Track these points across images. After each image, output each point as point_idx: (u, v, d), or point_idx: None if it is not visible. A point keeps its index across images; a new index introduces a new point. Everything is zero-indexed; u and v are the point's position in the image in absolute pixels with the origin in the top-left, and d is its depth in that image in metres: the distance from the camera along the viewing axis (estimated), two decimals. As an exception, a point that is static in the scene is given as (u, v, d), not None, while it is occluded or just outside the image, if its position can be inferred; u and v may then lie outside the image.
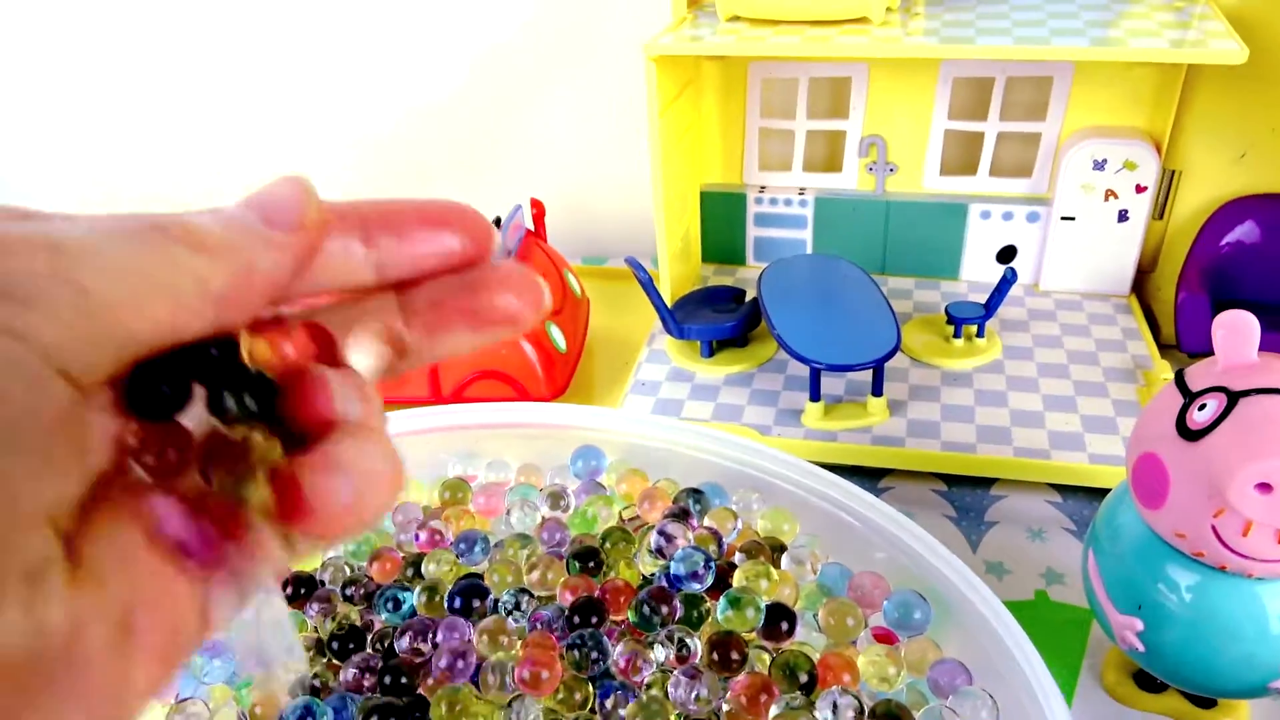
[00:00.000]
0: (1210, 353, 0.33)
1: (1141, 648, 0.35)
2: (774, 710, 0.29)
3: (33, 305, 0.13)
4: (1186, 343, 0.58)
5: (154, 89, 0.82)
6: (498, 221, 0.60)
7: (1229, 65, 0.47)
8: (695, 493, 0.38)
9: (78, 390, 0.13)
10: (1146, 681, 0.39)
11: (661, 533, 0.35)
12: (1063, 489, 0.50)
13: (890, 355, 0.50)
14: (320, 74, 0.78)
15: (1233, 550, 0.31)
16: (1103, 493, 0.49)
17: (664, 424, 0.41)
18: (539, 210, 0.63)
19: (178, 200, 0.86)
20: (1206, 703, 0.38)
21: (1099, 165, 0.58)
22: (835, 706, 0.29)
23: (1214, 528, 0.31)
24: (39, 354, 0.13)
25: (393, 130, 0.79)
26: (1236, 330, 0.32)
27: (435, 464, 0.43)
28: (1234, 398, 0.31)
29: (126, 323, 0.14)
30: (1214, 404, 0.31)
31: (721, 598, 0.32)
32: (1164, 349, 0.58)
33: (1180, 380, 0.33)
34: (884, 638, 0.33)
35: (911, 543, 0.34)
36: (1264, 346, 0.33)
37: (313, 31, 0.76)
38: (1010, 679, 0.30)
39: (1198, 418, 0.31)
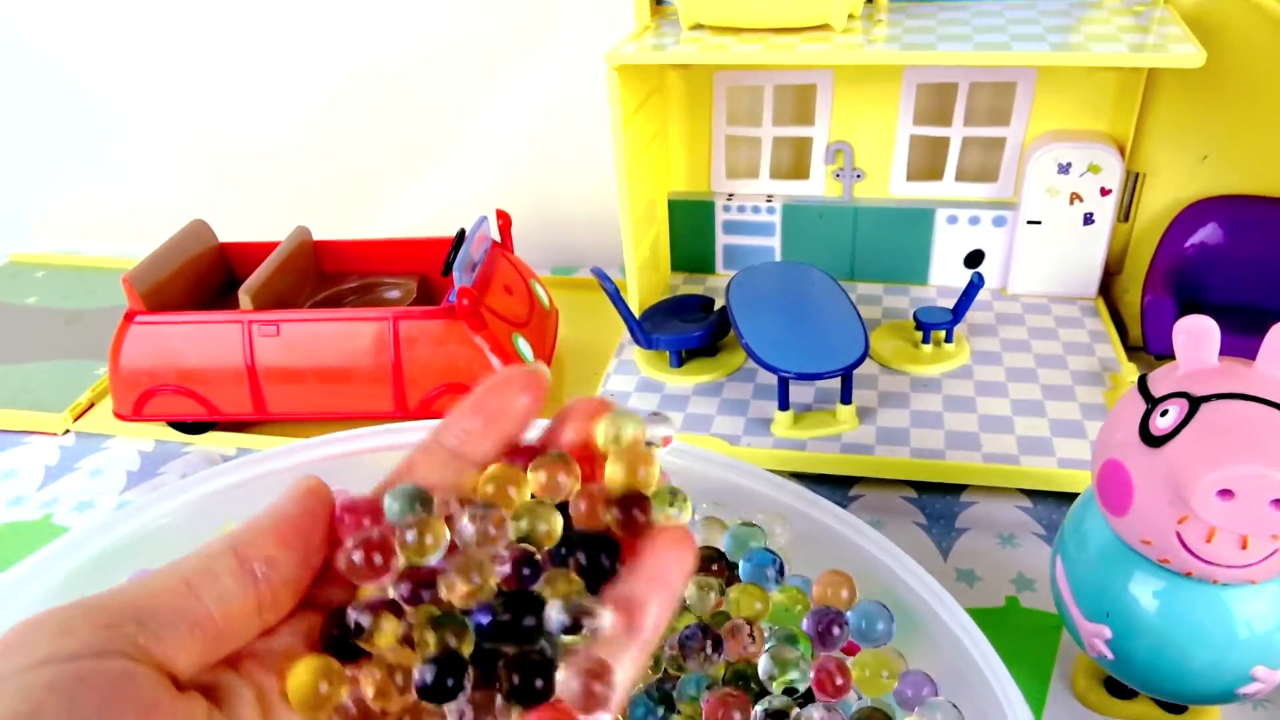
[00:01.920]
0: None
1: (1110, 655, 0.34)
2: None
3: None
4: (1153, 345, 0.58)
5: (89, 92, 0.80)
6: (462, 234, 0.60)
7: (1189, 68, 0.47)
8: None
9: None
10: (1117, 688, 0.39)
11: None
12: (1033, 494, 0.50)
13: (858, 363, 0.49)
14: (283, 85, 0.77)
15: (1197, 556, 0.30)
16: (1073, 497, 0.49)
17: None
18: (505, 221, 0.63)
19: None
20: (1177, 709, 0.38)
21: (1064, 169, 0.59)
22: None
23: (1179, 534, 0.30)
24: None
25: (353, 141, 0.78)
26: (1196, 335, 0.32)
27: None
28: (1195, 403, 0.30)
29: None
30: (1176, 410, 0.31)
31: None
32: (1131, 351, 0.59)
33: (1143, 386, 0.33)
34: (847, 649, 0.32)
35: (877, 553, 0.33)
36: (1230, 348, 0.33)
37: (272, 40, 0.76)
38: (977, 690, 0.29)
39: (1160, 424, 0.31)
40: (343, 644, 0.20)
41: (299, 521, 0.20)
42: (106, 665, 0.17)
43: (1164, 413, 0.31)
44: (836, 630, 0.31)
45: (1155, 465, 0.31)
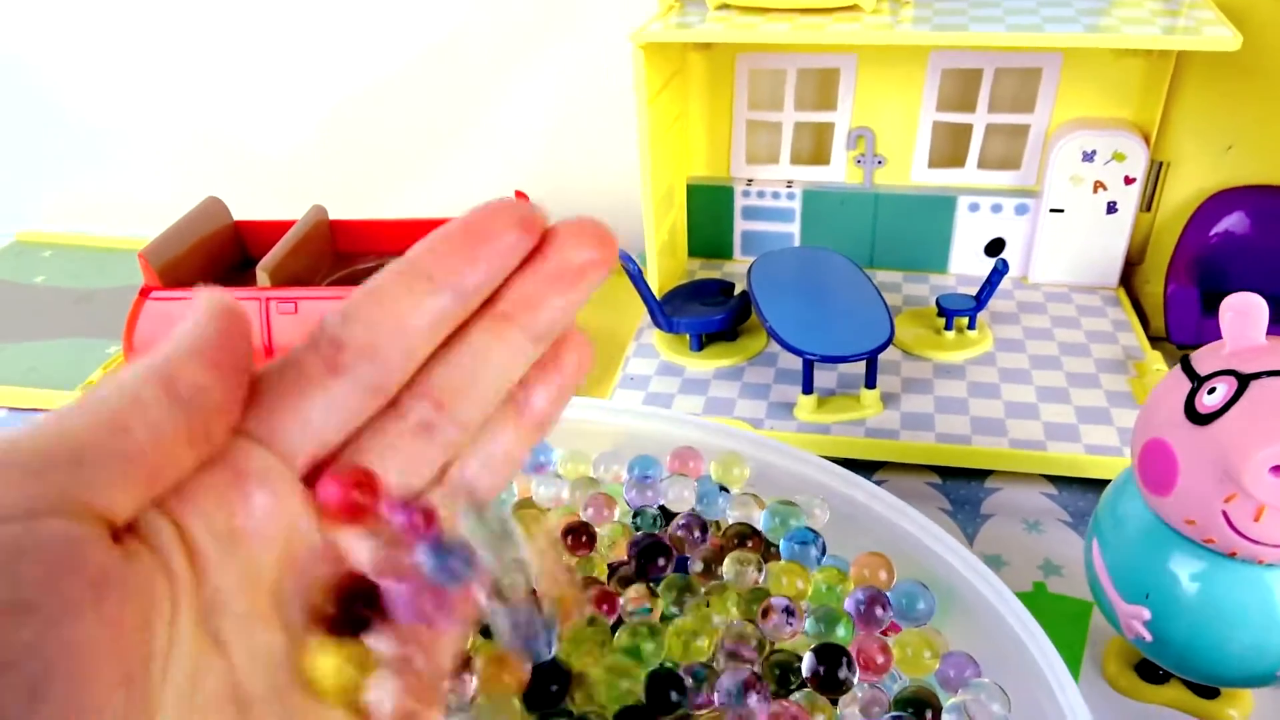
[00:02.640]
0: (1199, 344, 0.32)
1: (1149, 637, 0.34)
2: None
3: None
4: (1176, 334, 0.57)
5: (115, 75, 0.80)
6: (482, 213, 0.59)
7: (1217, 56, 0.47)
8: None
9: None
10: (1149, 672, 0.39)
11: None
12: (1058, 481, 0.49)
13: (884, 346, 0.49)
14: (297, 65, 0.77)
15: (1244, 536, 0.30)
16: (1099, 484, 0.49)
17: (653, 414, 0.40)
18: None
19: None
20: (1209, 692, 0.38)
21: (1088, 156, 0.58)
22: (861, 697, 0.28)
23: (1225, 513, 0.30)
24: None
25: (370, 121, 0.78)
26: (1244, 313, 0.31)
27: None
28: (1245, 380, 0.30)
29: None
30: (1224, 387, 0.30)
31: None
32: (1153, 341, 0.58)
33: (1187, 364, 0.33)
34: (886, 631, 0.32)
35: (914, 530, 0.33)
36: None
37: (289, 18, 0.75)
38: (1021, 669, 0.29)
39: (1207, 401, 0.31)
40: (355, 620, 0.19)
41: (223, 343, 0.18)
42: (44, 530, 0.14)
43: (1211, 390, 0.31)
44: (880, 610, 0.30)
45: (1202, 443, 0.30)
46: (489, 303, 0.20)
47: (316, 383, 0.18)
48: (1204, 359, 0.32)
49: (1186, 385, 0.32)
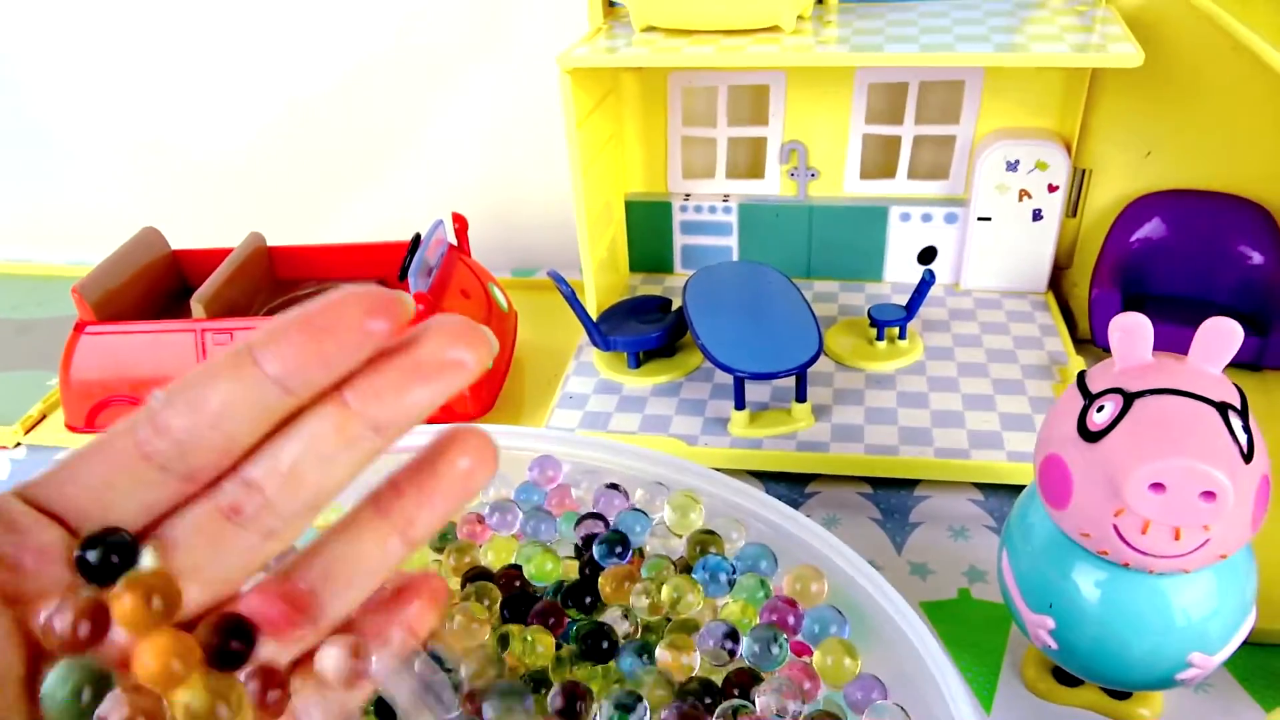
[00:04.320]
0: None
1: (1054, 645, 0.35)
2: None
3: None
4: (1101, 337, 0.59)
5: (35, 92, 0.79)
6: (418, 238, 0.60)
7: (1130, 67, 0.48)
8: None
9: None
10: (1065, 676, 0.40)
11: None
12: (984, 487, 0.51)
13: (811, 362, 0.50)
14: (234, 88, 0.77)
15: (1133, 548, 0.31)
16: (1022, 490, 0.50)
17: (569, 440, 0.40)
18: (461, 224, 0.63)
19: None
20: (1122, 694, 0.39)
21: (1012, 166, 0.60)
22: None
23: (1115, 526, 0.31)
24: None
25: (307, 146, 0.78)
26: (1131, 332, 0.33)
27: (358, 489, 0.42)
28: (1130, 399, 0.31)
29: None
30: (1111, 405, 0.32)
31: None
32: (1080, 343, 0.60)
33: (1081, 382, 0.34)
34: (796, 650, 0.33)
35: (827, 553, 0.34)
36: (1172, 339, 0.34)
37: (222, 43, 0.75)
38: (925, 692, 0.30)
39: (1096, 419, 0.32)
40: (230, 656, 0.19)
41: None
42: None
43: (1100, 408, 0.32)
44: (791, 619, 0.31)
45: (1092, 460, 0.31)
46: (334, 387, 0.19)
47: (124, 466, 0.18)
48: (1096, 377, 0.33)
49: (1080, 402, 0.33)
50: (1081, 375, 0.34)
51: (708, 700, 0.29)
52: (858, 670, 0.30)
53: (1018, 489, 0.50)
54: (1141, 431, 0.30)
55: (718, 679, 0.31)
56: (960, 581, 0.45)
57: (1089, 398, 0.33)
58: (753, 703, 0.29)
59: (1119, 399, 0.31)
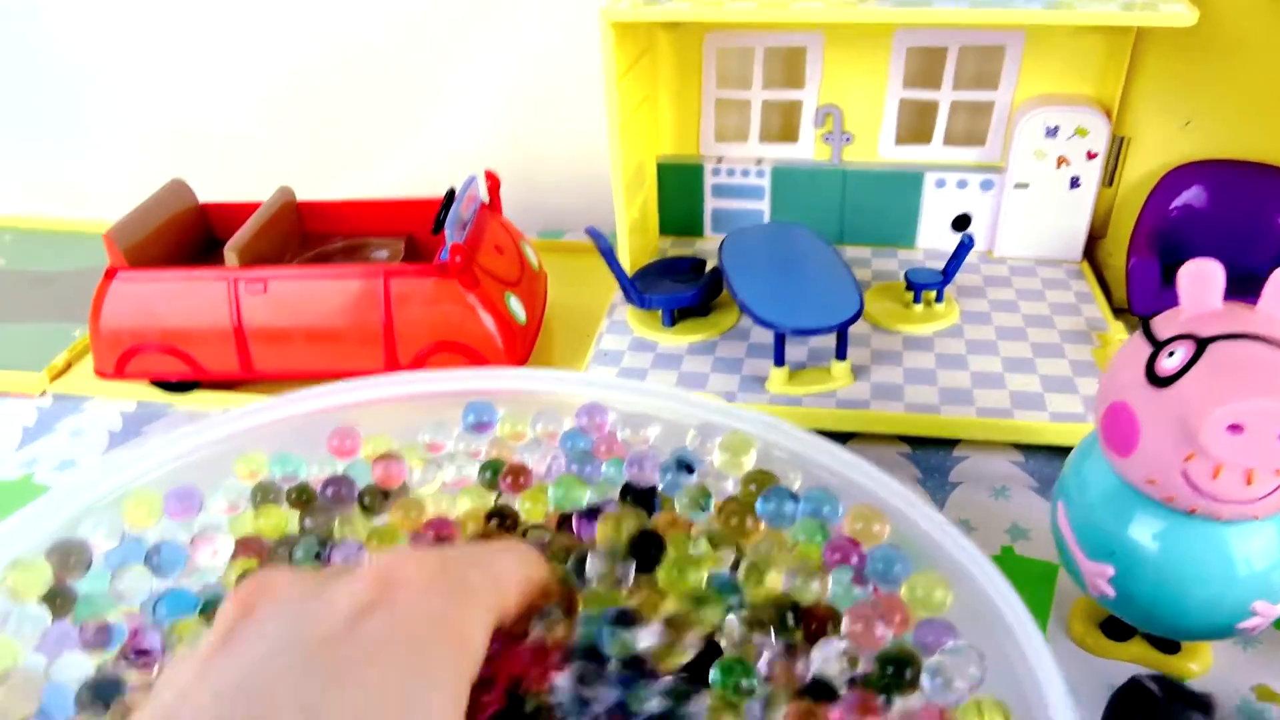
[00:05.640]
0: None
1: (1112, 593, 0.35)
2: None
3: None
4: (1137, 306, 0.59)
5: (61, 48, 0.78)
6: (452, 192, 0.59)
7: (1176, 32, 0.48)
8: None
9: None
10: (1113, 630, 0.40)
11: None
12: (1024, 448, 0.51)
13: (855, 318, 0.50)
14: (259, 44, 0.76)
15: (1202, 493, 0.31)
16: (1063, 450, 0.50)
17: (626, 386, 0.40)
18: (493, 182, 0.62)
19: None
20: (1171, 648, 0.39)
21: (1051, 132, 0.59)
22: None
23: (1184, 472, 0.31)
24: None
25: (335, 102, 0.77)
26: (1202, 278, 0.32)
27: (405, 431, 0.41)
28: (1202, 344, 0.31)
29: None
30: (1183, 350, 0.31)
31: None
32: (1115, 312, 0.60)
33: (1147, 330, 0.33)
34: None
35: (887, 496, 0.34)
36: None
37: None
38: (995, 631, 0.30)
39: (1166, 364, 0.31)
40: None
41: None
42: None
43: (1170, 354, 0.32)
44: (855, 559, 0.31)
45: (1162, 405, 0.31)
46: None
47: None
48: (1163, 324, 0.33)
49: (1147, 349, 0.33)
50: (1147, 323, 0.34)
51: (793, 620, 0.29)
52: (949, 603, 0.30)
53: (1060, 450, 0.50)
54: (1218, 374, 0.30)
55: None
56: (1003, 539, 0.45)
57: (1157, 344, 0.32)
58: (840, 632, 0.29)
59: (1191, 344, 0.31)
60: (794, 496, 0.33)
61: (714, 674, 0.27)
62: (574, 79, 0.71)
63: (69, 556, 0.32)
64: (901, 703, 0.28)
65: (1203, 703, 0.31)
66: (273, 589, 0.21)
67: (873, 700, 0.27)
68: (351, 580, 0.22)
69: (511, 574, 0.24)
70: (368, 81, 0.76)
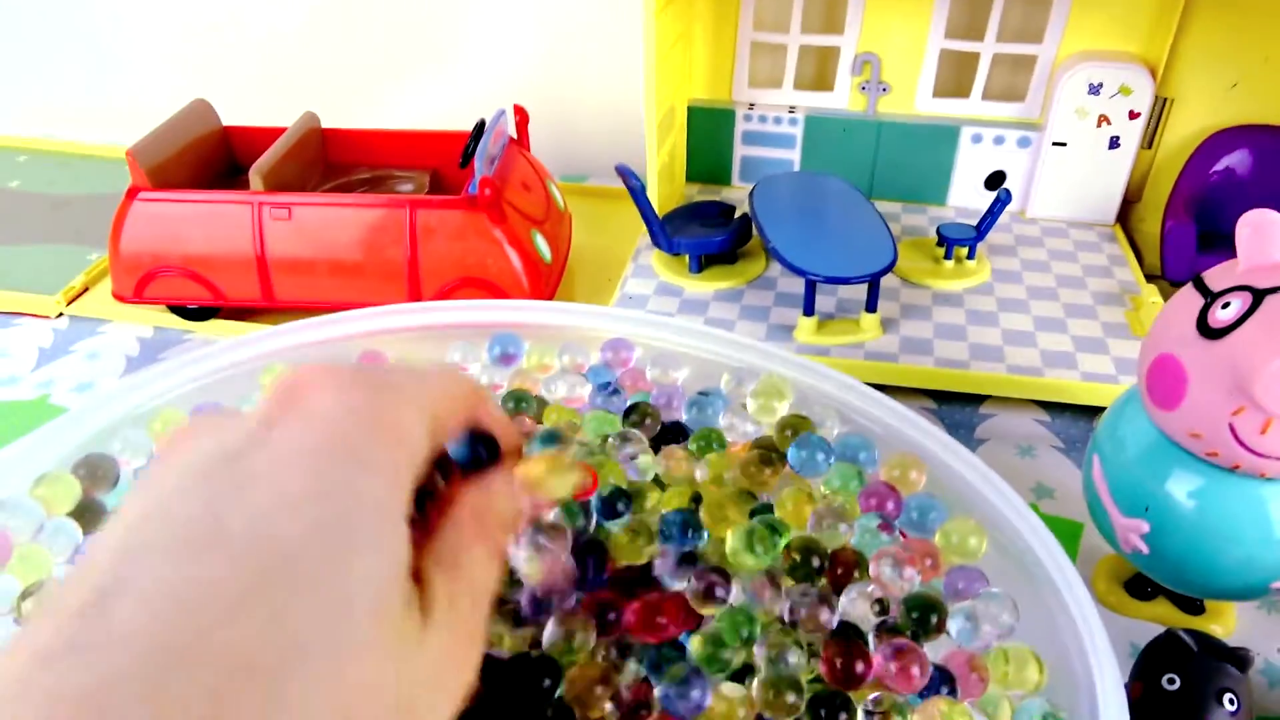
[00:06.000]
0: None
1: (1145, 550, 0.35)
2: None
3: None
4: (1171, 271, 0.58)
5: None
6: (482, 124, 0.58)
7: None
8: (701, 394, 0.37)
9: None
10: (1137, 589, 0.40)
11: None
12: (1051, 408, 0.50)
13: (888, 269, 0.49)
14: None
15: (1249, 449, 0.31)
16: (1090, 411, 0.49)
17: (669, 325, 0.39)
18: (522, 118, 0.61)
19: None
20: (1195, 609, 0.39)
21: (1094, 89, 0.58)
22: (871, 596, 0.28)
23: (1232, 426, 0.30)
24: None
25: (362, 28, 0.75)
26: (1262, 229, 0.32)
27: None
28: (1259, 295, 0.30)
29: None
30: (1238, 302, 0.31)
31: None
32: (1148, 278, 0.59)
33: (1200, 282, 0.33)
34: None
35: (924, 440, 0.33)
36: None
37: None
38: (1035, 577, 0.29)
39: (1221, 315, 0.31)
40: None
41: None
42: None
43: (1225, 305, 0.31)
44: (891, 505, 0.31)
45: (1213, 357, 0.31)
46: None
47: None
48: (1218, 276, 0.32)
49: (1199, 301, 0.32)
50: (1199, 276, 0.33)
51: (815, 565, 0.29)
52: (983, 550, 0.30)
53: (1087, 410, 0.49)
54: (1276, 326, 0.29)
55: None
56: (1028, 497, 0.45)
57: (1210, 296, 0.32)
58: (868, 575, 0.29)
59: (1247, 296, 0.30)
60: (824, 442, 0.33)
61: (716, 622, 0.26)
62: (608, 11, 0.70)
63: (97, 471, 0.32)
64: (929, 649, 0.28)
65: (1239, 657, 0.31)
66: (192, 429, 0.19)
67: (909, 648, 0.27)
68: (260, 402, 0.20)
69: (438, 382, 0.22)
70: (397, 7, 0.74)
